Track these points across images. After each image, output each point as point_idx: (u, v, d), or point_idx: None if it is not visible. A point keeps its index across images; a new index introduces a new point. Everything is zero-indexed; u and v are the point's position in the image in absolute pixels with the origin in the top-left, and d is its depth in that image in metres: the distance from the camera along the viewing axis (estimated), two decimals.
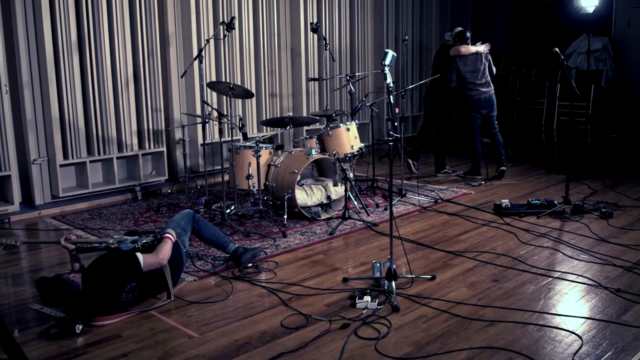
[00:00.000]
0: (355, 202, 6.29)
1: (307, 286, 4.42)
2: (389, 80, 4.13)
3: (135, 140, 7.16)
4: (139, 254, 3.92)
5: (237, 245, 4.82)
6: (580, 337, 3.57)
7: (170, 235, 4.16)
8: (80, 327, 3.70)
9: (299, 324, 3.82)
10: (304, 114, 8.59)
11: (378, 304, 4.01)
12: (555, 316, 3.88)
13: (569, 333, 3.64)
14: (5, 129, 6.10)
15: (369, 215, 6.15)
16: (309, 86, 8.90)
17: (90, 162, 6.80)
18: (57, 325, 3.73)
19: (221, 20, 7.59)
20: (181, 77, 7.00)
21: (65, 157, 6.61)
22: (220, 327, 3.80)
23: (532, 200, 6.26)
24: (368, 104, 6.93)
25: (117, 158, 7.03)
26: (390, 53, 4.12)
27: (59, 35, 6.38)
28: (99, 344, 3.59)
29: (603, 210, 6.05)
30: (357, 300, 4.04)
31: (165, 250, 4.04)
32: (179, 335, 3.69)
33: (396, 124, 4.09)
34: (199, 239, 4.79)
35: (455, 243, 5.36)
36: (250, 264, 4.76)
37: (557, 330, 3.69)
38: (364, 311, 3.96)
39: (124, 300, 3.89)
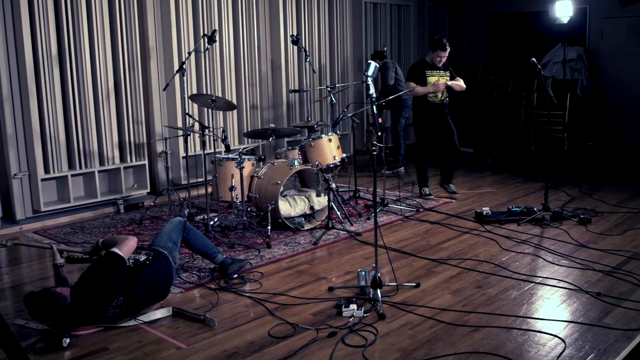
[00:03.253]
0: (338, 212, 6.33)
1: (292, 296, 4.44)
2: (372, 91, 4.18)
3: (116, 154, 7.15)
4: (114, 249, 3.90)
5: (225, 256, 4.84)
6: (563, 340, 3.64)
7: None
8: (68, 340, 3.69)
9: (286, 333, 3.84)
10: (285, 126, 8.63)
11: (364, 312, 4.05)
12: (538, 320, 3.95)
13: (552, 337, 3.71)
14: None
15: (352, 225, 6.19)
16: (289, 98, 8.94)
17: (72, 175, 6.76)
18: (43, 339, 3.71)
19: (201, 32, 7.62)
20: (163, 89, 7.01)
21: (47, 171, 6.57)
22: (207, 337, 3.81)
23: (512, 208, 6.36)
24: (349, 115, 6.99)
25: (99, 171, 7.00)
26: (373, 64, 4.18)
27: (39, 47, 6.36)
28: (86, 357, 3.58)
29: (582, 216, 6.16)
30: (343, 309, 4.07)
31: (122, 237, 4.07)
32: (166, 347, 3.69)
33: (379, 133, 4.14)
34: (187, 248, 4.79)
35: (438, 251, 5.42)
36: (236, 275, 4.77)
37: (540, 334, 3.76)
38: (351, 319, 3.99)
39: (110, 315, 3.88)
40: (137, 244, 4.12)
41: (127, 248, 3.95)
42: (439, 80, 6.94)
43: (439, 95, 7.05)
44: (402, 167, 8.89)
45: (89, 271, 3.84)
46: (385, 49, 9.72)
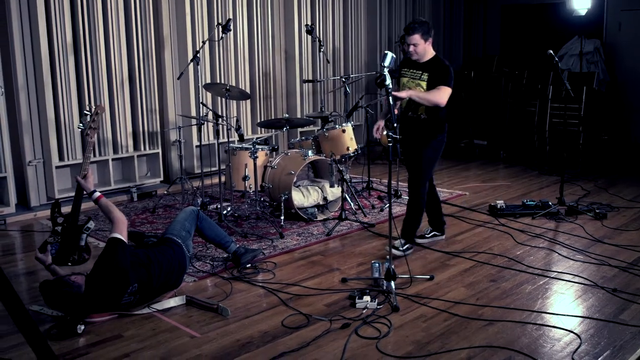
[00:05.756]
0: (352, 203, 6.31)
1: (306, 286, 4.44)
2: (388, 81, 4.15)
3: (130, 142, 7.16)
4: (114, 234, 3.93)
5: (238, 246, 4.84)
6: (578, 336, 3.61)
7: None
8: (82, 327, 3.70)
9: (299, 323, 3.84)
10: (299, 116, 8.61)
11: (378, 304, 4.04)
12: (553, 315, 3.92)
13: (567, 332, 3.69)
14: (0, 131, 6.08)
15: (365, 216, 6.17)
16: (303, 88, 8.92)
17: None
18: (58, 325, 3.72)
19: (216, 22, 7.60)
20: (177, 78, 7.01)
21: (61, 158, 6.60)
22: (221, 327, 3.82)
23: (526, 202, 6.31)
24: (363, 105, 6.96)
25: (113, 159, 7.02)
26: (390, 54, 4.14)
27: (54, 37, 6.37)
28: (101, 344, 3.60)
29: (597, 211, 6.11)
30: (356, 300, 4.06)
31: (116, 214, 4.07)
32: (180, 335, 3.70)
33: (395, 125, 4.11)
34: (200, 237, 4.80)
35: (452, 244, 5.39)
36: (249, 265, 4.77)
37: (555, 329, 3.73)
38: (364, 311, 3.98)
39: (125, 302, 3.89)
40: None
41: (124, 230, 3.98)
42: (405, 85, 5.08)
43: (404, 102, 5.11)
44: None
45: (98, 260, 3.86)
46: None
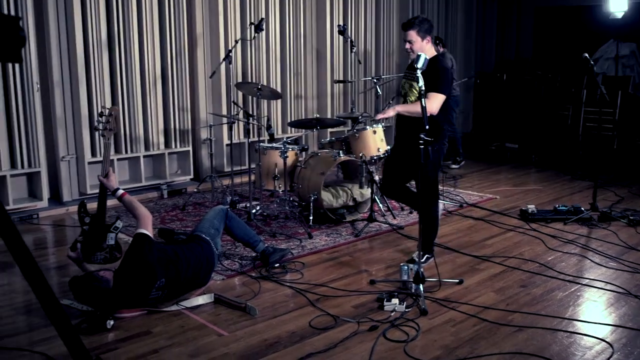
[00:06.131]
0: (381, 205, 6.29)
1: (334, 287, 4.43)
2: (422, 83, 4.11)
3: (161, 139, 7.22)
4: (140, 230, 3.96)
5: (266, 245, 4.85)
6: (610, 345, 3.55)
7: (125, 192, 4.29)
8: (112, 322, 3.74)
9: (327, 324, 3.83)
10: (329, 116, 8.61)
11: (406, 307, 4.02)
12: (584, 323, 3.86)
13: (599, 340, 3.62)
14: (35, 126, 6.17)
15: (395, 218, 6.14)
16: (333, 88, 8.91)
17: (118, 160, 6.86)
18: (88, 320, 3.76)
19: (248, 21, 7.63)
20: (210, 77, 7.05)
21: (93, 154, 6.68)
22: (248, 326, 3.82)
23: (558, 207, 6.23)
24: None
25: (144, 156, 7.09)
26: (423, 56, 4.10)
27: (89, 35, 6.45)
28: (130, 340, 3.63)
29: (631, 217, 6.00)
30: (385, 303, 4.04)
31: (141, 210, 4.12)
32: (208, 333, 3.72)
33: (427, 127, 4.08)
34: (229, 236, 4.82)
35: (482, 248, 5.34)
36: (277, 265, 4.78)
37: (587, 337, 3.67)
38: (392, 313, 3.96)
39: (153, 297, 3.92)
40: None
41: (149, 226, 4.02)
42: (402, 86, 4.91)
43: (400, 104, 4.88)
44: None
45: (125, 255, 3.91)
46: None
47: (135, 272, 3.82)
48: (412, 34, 4.62)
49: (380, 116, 4.74)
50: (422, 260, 4.58)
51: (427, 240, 4.79)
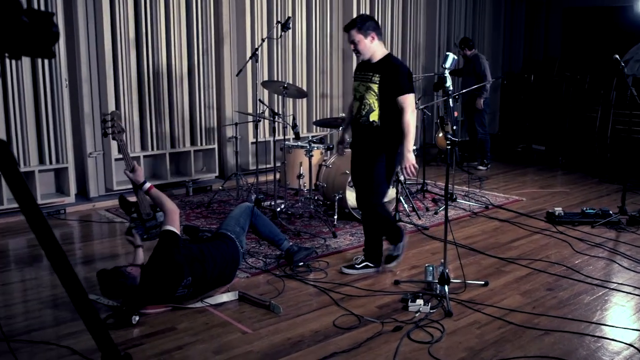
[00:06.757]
0: (406, 205, 6.26)
1: (358, 287, 4.41)
2: (449, 83, 4.09)
3: (187, 137, 7.26)
4: (167, 227, 3.97)
5: (291, 244, 4.84)
6: (639, 351, 3.49)
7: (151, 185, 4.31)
8: (137, 318, 3.76)
9: (351, 324, 3.82)
10: None
11: (431, 308, 3.99)
12: (612, 328, 3.80)
13: (627, 346, 3.57)
14: (64, 122, 6.24)
15: (419, 218, 6.11)
16: None
17: (144, 157, 6.91)
18: (113, 315, 3.79)
19: (275, 20, 7.64)
20: (236, 75, 7.07)
21: (120, 151, 6.72)
22: (272, 324, 3.82)
23: (586, 210, 6.14)
24: (420, 107, 6.89)
25: (170, 154, 7.13)
26: (451, 56, 4.08)
27: (117, 33, 6.51)
28: (155, 336, 3.64)
29: None
30: (409, 303, 4.02)
31: (168, 205, 4.11)
32: (232, 331, 3.72)
33: (454, 127, 4.05)
34: (254, 234, 4.83)
35: (508, 250, 5.29)
36: (302, 263, 4.77)
37: (615, 342, 3.61)
38: (417, 314, 3.93)
39: (179, 295, 3.94)
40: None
41: (176, 221, 4.02)
42: (356, 89, 4.56)
43: (355, 107, 4.57)
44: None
45: (153, 253, 3.92)
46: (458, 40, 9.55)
47: (163, 270, 3.84)
48: (354, 34, 4.36)
49: (411, 173, 4.39)
50: (359, 266, 4.62)
51: (372, 248, 4.69)
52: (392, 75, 4.33)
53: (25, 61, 5.97)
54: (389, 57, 4.46)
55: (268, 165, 7.63)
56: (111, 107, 6.54)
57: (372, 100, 4.41)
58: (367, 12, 8.83)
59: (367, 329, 3.75)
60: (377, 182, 4.49)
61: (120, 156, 6.67)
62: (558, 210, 6.14)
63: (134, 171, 4.30)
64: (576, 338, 3.66)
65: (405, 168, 4.30)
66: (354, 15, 8.53)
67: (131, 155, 6.69)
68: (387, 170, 4.49)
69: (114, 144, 6.61)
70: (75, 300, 1.78)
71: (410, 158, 4.30)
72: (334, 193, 5.86)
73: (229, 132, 7.53)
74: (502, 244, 5.45)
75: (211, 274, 4.08)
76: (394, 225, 4.77)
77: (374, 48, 4.40)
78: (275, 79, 7.82)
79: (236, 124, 7.00)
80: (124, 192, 6.72)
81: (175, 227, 3.99)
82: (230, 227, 4.48)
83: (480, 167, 8.74)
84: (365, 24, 4.35)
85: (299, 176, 5.97)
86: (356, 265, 4.66)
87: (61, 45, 6.16)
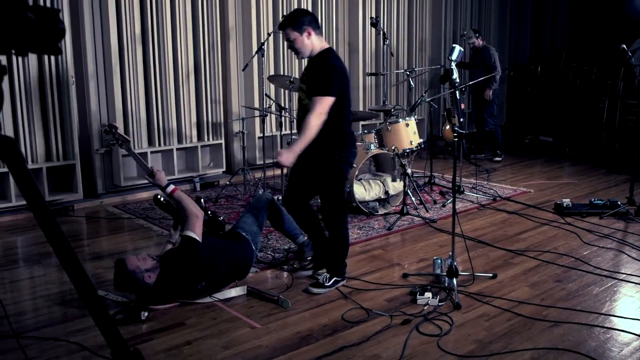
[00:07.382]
0: (413, 198, 6.25)
1: (366, 280, 4.41)
2: (455, 75, 4.08)
3: (194, 132, 7.27)
4: (188, 232, 3.92)
5: (305, 238, 4.81)
6: None
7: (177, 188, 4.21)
8: (146, 314, 3.77)
9: (360, 318, 3.82)
10: (360, 109, 8.58)
11: (439, 301, 3.99)
12: (621, 319, 3.79)
13: (637, 337, 3.55)
14: (71, 119, 6.25)
15: (427, 211, 6.10)
16: (366, 81, 8.88)
17: (151, 152, 6.92)
18: (123, 311, 3.81)
19: (281, 14, 7.63)
20: (242, 70, 7.07)
21: None
22: (281, 318, 3.83)
23: (594, 200, 6.12)
24: (427, 100, 6.88)
25: (177, 149, 7.14)
26: (458, 48, 4.07)
27: (123, 29, 6.51)
28: (164, 331, 3.66)
29: None
30: (417, 296, 4.02)
31: (191, 208, 4.03)
32: (241, 326, 3.73)
33: (461, 120, 4.04)
34: (273, 227, 4.81)
35: (516, 242, 5.28)
36: (310, 257, 4.77)
37: (624, 333, 3.60)
38: (425, 307, 3.93)
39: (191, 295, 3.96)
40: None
41: (198, 227, 3.98)
42: (303, 98, 4.13)
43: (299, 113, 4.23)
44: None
45: (173, 259, 3.88)
46: (465, 32, 9.51)
47: (180, 278, 3.84)
48: (289, 32, 4.02)
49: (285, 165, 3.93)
50: (329, 283, 4.22)
51: (336, 262, 4.30)
52: (319, 72, 3.99)
53: (32, 58, 5.98)
54: (324, 53, 4.09)
55: (275, 160, 7.62)
56: (118, 103, 6.55)
57: (306, 101, 4.05)
58: (373, 5, 8.81)
59: (375, 323, 3.75)
60: (332, 197, 4.19)
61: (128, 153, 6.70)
62: (566, 201, 6.12)
63: (154, 175, 4.17)
64: (585, 329, 3.65)
65: (278, 162, 3.91)
66: (360, 9, 8.55)
67: (138, 151, 6.72)
68: (334, 182, 4.14)
69: None
70: (84, 296, 1.79)
71: (285, 158, 3.87)
72: None
73: (236, 127, 7.54)
74: (510, 236, 5.43)
75: (224, 275, 4.08)
76: (344, 253, 4.37)
77: (312, 44, 4.07)
78: (282, 73, 7.81)
79: (243, 119, 7.00)
80: (137, 189, 6.78)
81: (197, 233, 3.94)
82: (247, 226, 4.45)
83: (496, 159, 8.70)
84: (300, 19, 4.01)
85: None
86: (325, 284, 4.24)
87: (67, 42, 6.17)
